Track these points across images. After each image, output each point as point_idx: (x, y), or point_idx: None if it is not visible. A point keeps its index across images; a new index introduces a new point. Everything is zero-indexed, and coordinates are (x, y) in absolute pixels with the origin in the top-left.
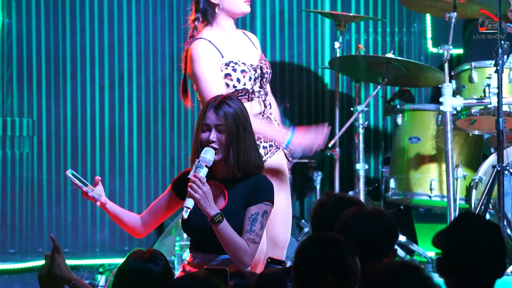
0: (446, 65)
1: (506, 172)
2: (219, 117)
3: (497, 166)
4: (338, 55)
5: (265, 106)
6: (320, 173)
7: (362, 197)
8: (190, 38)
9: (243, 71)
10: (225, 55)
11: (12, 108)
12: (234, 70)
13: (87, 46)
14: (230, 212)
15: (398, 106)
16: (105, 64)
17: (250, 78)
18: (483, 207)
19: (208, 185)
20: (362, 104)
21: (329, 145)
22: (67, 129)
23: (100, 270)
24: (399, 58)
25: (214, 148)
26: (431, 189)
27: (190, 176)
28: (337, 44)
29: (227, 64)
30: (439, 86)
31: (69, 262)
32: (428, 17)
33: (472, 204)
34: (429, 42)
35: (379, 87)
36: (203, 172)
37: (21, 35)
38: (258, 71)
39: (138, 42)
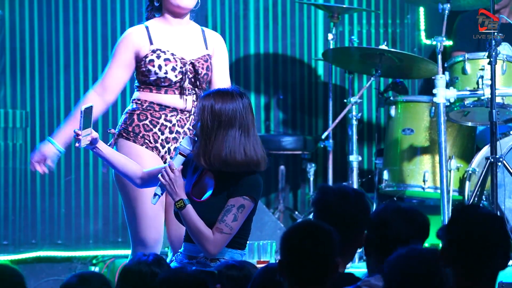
0: (439, 56)
1: (499, 163)
2: (197, 109)
3: (490, 158)
4: (331, 46)
5: (193, 107)
6: (313, 164)
7: None
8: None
9: (166, 59)
10: (155, 43)
11: (5, 100)
12: (158, 57)
13: (80, 37)
14: (213, 204)
15: (391, 98)
16: (98, 55)
17: (174, 68)
18: (476, 199)
19: (178, 172)
20: (356, 95)
21: (323, 137)
22: (60, 120)
23: (94, 261)
24: (393, 49)
25: (194, 137)
26: (424, 181)
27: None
28: (330, 36)
29: (153, 51)
30: (433, 77)
31: (63, 253)
32: (421, 8)
33: (465, 196)
34: (423, 34)
35: (372, 78)
36: (176, 159)
37: (14, 26)
38: (188, 66)
39: None
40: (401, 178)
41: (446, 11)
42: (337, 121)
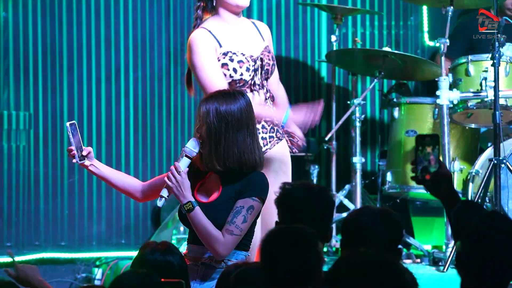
0: (443, 58)
1: (502, 165)
2: (201, 111)
3: (493, 160)
4: (334, 48)
5: (266, 99)
6: (316, 166)
7: (358, 191)
8: (194, 28)
9: (240, 61)
10: (224, 45)
11: (8, 102)
12: (231, 60)
13: (83, 40)
14: (220, 205)
15: (394, 100)
16: (101, 58)
17: (248, 69)
18: (479, 201)
19: (184, 174)
20: (359, 97)
21: (326, 139)
22: (63, 122)
23: (97, 263)
24: (396, 51)
25: (200, 140)
26: None
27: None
28: (333, 38)
29: (225, 54)
30: (436, 79)
31: (66, 255)
32: (424, 10)
33: (468, 198)
34: (426, 36)
35: (376, 80)
36: (182, 162)
37: (17, 28)
38: (258, 62)
39: (135, 35)
40: (405, 179)
41: (450, 13)
42: (340, 122)
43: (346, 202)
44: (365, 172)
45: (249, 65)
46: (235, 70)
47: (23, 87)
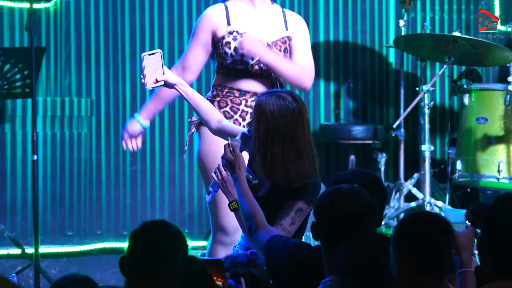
0: None
1: None
2: (253, 112)
3: None
4: (403, 33)
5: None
6: (384, 154)
7: (427, 180)
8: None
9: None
10: (233, 24)
11: (70, 88)
12: (235, 39)
13: (146, 25)
14: (268, 201)
15: (465, 86)
16: (164, 44)
17: None
18: None
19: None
20: (428, 83)
21: (394, 126)
22: (125, 109)
23: None
24: (466, 36)
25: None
26: (499, 171)
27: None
28: (402, 22)
29: (230, 33)
30: (507, 65)
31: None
32: None
33: None
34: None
35: (445, 66)
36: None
37: (79, 13)
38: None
39: None
40: (475, 168)
41: None
42: (408, 109)
43: (415, 191)
44: (434, 160)
45: None
46: (236, 50)
47: (84, 73)
